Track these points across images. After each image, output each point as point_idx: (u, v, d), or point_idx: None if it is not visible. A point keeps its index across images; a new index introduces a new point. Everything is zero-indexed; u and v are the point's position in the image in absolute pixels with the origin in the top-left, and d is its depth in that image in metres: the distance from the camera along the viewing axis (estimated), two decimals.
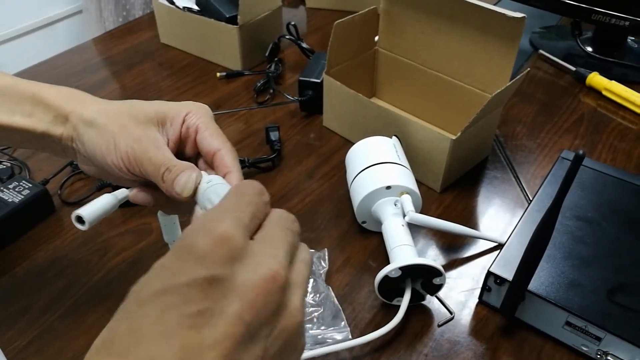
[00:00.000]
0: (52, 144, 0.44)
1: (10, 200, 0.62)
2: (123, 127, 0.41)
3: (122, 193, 0.44)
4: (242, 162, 0.72)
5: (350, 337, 0.52)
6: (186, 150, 0.45)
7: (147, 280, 0.26)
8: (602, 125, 0.84)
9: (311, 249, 0.61)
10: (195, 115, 0.43)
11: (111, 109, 0.43)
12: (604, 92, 0.90)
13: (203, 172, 0.41)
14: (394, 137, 0.68)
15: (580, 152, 0.39)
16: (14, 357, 0.50)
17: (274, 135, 0.76)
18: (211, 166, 0.43)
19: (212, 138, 0.43)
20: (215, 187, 0.39)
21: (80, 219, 0.42)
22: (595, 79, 0.91)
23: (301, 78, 0.82)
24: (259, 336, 0.26)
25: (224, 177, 0.41)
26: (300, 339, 0.29)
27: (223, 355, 0.24)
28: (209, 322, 0.24)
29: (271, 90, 0.88)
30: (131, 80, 0.92)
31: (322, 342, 0.51)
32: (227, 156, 0.42)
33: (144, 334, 0.23)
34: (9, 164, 0.71)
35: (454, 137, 0.64)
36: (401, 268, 0.51)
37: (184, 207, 0.42)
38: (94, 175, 0.46)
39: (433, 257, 0.62)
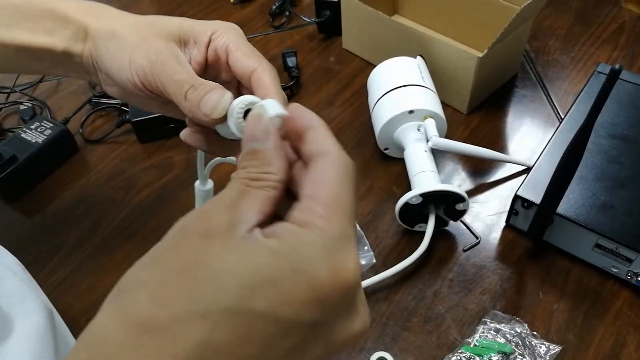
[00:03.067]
0: (73, 64, 0.42)
1: (34, 140, 0.62)
2: (142, 39, 0.37)
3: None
4: None
5: (374, 260, 0.52)
6: (221, 75, 0.40)
7: (246, 285, 0.21)
8: None
9: None
10: (224, 35, 0.38)
11: (132, 20, 0.39)
12: None
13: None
14: (418, 57, 0.64)
15: (617, 66, 0.36)
16: (51, 292, 0.52)
17: (291, 61, 0.73)
18: (250, 91, 0.37)
19: (246, 57, 0.37)
20: (265, 106, 0.29)
21: None
22: None
23: None
24: None
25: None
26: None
27: None
28: (286, 358, 0.23)
29: (287, 13, 0.84)
30: (142, 9, 0.89)
31: None
32: (265, 75, 0.36)
33: (220, 355, 0.21)
34: (29, 105, 0.71)
35: (480, 55, 0.60)
36: (422, 195, 0.50)
37: (234, 147, 0.37)
38: (118, 97, 0.42)
39: (458, 183, 0.60)
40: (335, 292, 0.22)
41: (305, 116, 0.28)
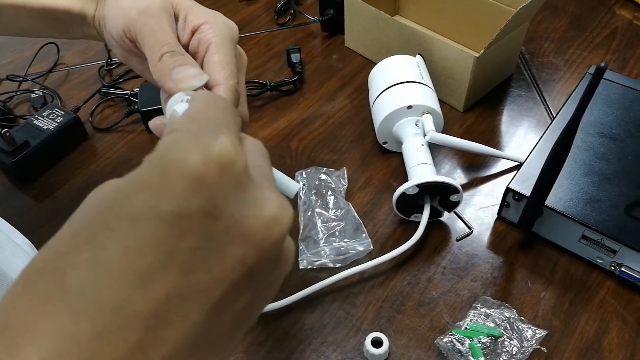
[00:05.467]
0: (87, 25, 0.42)
1: (45, 127, 0.65)
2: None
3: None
4: (263, 85, 0.72)
5: (371, 247, 0.55)
6: None
7: (119, 195, 0.20)
8: (636, 40, 0.80)
9: (332, 169, 0.62)
10: (212, 30, 0.36)
11: None
12: None
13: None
14: (417, 56, 0.67)
15: (602, 64, 0.38)
16: None
17: (295, 58, 0.75)
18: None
19: (219, 67, 0.35)
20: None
21: None
22: None
23: None
24: (254, 284, 0.22)
25: None
26: (280, 283, 0.26)
27: (209, 307, 0.20)
28: (203, 264, 0.20)
29: (292, 11, 0.87)
30: None
31: (344, 254, 0.54)
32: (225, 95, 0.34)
33: (111, 273, 0.19)
34: (40, 93, 0.74)
35: (477, 55, 0.63)
36: (418, 185, 0.52)
37: None
38: (122, 60, 0.42)
39: (453, 176, 0.63)
40: (212, 171, 0.20)
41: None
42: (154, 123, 0.35)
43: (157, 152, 0.21)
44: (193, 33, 0.37)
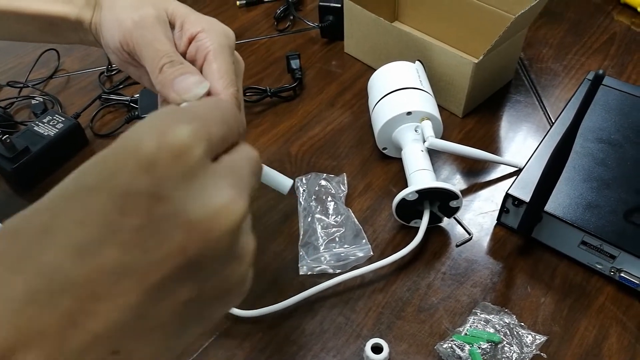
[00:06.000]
0: (84, 31, 0.42)
1: (46, 133, 0.65)
2: (137, 5, 0.37)
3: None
4: (263, 92, 0.73)
5: (371, 253, 0.55)
6: None
7: (81, 170, 0.22)
8: (634, 45, 0.81)
9: (332, 174, 0.63)
10: (209, 37, 0.36)
11: None
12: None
13: None
14: (417, 62, 0.67)
15: (600, 71, 0.39)
16: None
17: (294, 64, 0.76)
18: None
19: (217, 76, 0.35)
20: None
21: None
22: None
23: (321, 3, 0.80)
24: (198, 277, 0.22)
25: None
26: (243, 286, 0.25)
27: (145, 289, 0.20)
28: (142, 244, 0.20)
29: (291, 17, 0.87)
30: None
31: (344, 259, 0.54)
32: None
33: (55, 240, 0.20)
34: (41, 99, 0.74)
35: (476, 61, 0.63)
36: (418, 191, 0.52)
37: None
38: (120, 67, 0.42)
39: (453, 182, 0.63)
40: (163, 157, 0.21)
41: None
42: None
43: (122, 135, 0.22)
44: (190, 41, 0.37)
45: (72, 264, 0.19)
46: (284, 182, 0.34)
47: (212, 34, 0.37)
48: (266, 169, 0.35)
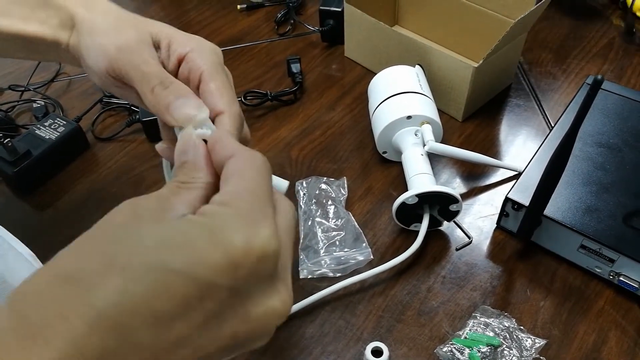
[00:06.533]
0: (62, 51, 0.41)
1: (47, 137, 0.65)
2: (116, 27, 0.37)
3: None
4: (264, 95, 0.73)
5: (371, 256, 0.55)
6: None
7: (165, 241, 0.23)
8: (634, 49, 0.81)
9: (332, 178, 0.63)
10: (201, 57, 0.36)
11: (115, 13, 0.39)
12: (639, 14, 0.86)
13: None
14: (417, 66, 0.67)
15: (599, 76, 0.39)
16: None
17: (295, 68, 0.76)
18: None
19: (218, 95, 0.35)
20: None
21: None
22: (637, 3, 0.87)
23: (322, 7, 0.81)
24: (237, 347, 0.26)
25: None
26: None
27: (197, 357, 0.24)
28: (206, 325, 0.23)
29: (292, 21, 0.88)
30: (151, 14, 0.92)
31: (345, 263, 0.54)
32: (229, 123, 0.34)
33: (131, 305, 0.22)
34: (42, 103, 0.74)
35: (476, 65, 0.64)
36: (418, 195, 0.53)
37: None
38: (101, 86, 0.42)
39: (453, 186, 0.63)
40: (249, 259, 0.23)
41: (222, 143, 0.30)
42: (161, 147, 0.38)
43: (208, 220, 0.24)
44: (180, 61, 0.37)
45: (145, 329, 0.22)
46: (280, 185, 0.35)
47: (203, 54, 0.36)
48: None
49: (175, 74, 0.37)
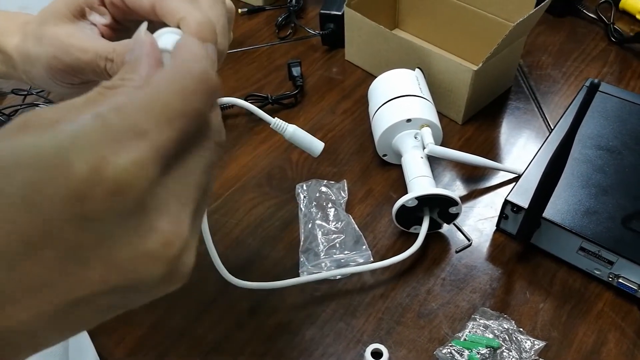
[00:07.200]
0: (23, 80, 0.38)
1: None
2: (38, 40, 0.33)
3: None
4: (265, 99, 0.73)
5: (371, 259, 0.55)
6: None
7: (11, 154, 0.19)
8: (633, 53, 0.81)
9: (333, 181, 0.63)
10: None
11: (27, 29, 0.35)
12: (638, 16, 0.86)
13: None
14: (417, 70, 0.68)
15: (596, 80, 0.39)
16: None
17: (296, 71, 0.76)
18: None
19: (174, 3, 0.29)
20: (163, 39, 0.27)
21: None
22: (630, 1, 0.87)
23: (322, 11, 0.81)
24: (124, 296, 0.22)
25: None
26: (177, 286, 0.23)
27: (62, 304, 0.20)
28: (64, 269, 0.20)
29: (292, 25, 0.88)
30: None
31: (345, 265, 0.54)
32: (194, 27, 0.28)
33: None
34: (45, 106, 0.75)
35: (475, 68, 0.64)
36: (417, 198, 0.53)
37: None
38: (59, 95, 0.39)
39: (452, 188, 0.63)
40: (96, 192, 0.19)
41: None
42: (122, 44, 0.32)
43: (62, 135, 0.19)
44: (103, 3, 0.34)
45: None
46: (316, 145, 0.34)
47: None
48: (298, 131, 0.35)
49: (113, 18, 0.34)
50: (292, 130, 0.38)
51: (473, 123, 0.71)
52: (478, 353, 0.48)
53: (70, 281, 0.20)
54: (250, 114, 0.73)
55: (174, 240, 0.21)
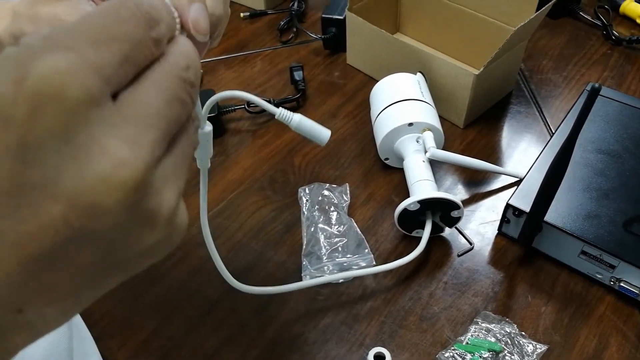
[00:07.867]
0: None
1: None
2: (32, 19, 0.32)
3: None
4: (267, 102, 0.73)
5: (374, 263, 0.56)
6: None
7: None
8: (633, 56, 0.82)
9: (335, 185, 0.63)
10: None
11: (23, 13, 0.33)
12: (639, 20, 0.87)
13: None
14: (418, 74, 0.68)
15: (596, 85, 0.39)
16: None
17: (298, 75, 0.77)
18: None
19: None
20: None
21: None
22: (630, 6, 0.88)
23: (324, 15, 0.82)
24: (97, 244, 0.19)
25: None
26: (166, 245, 0.22)
27: (34, 258, 0.18)
28: (14, 215, 0.17)
29: (294, 29, 0.88)
30: None
31: (347, 269, 0.55)
32: None
33: None
34: None
35: (477, 72, 0.64)
36: (419, 201, 0.53)
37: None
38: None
39: (454, 192, 0.64)
40: (23, 110, 0.17)
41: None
42: None
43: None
44: None
45: None
46: (323, 133, 0.34)
47: None
48: (304, 119, 0.35)
49: None
50: (298, 120, 0.38)
51: (474, 127, 0.71)
52: (480, 357, 0.48)
53: (23, 230, 0.18)
54: (252, 117, 0.74)
55: (128, 162, 0.18)
